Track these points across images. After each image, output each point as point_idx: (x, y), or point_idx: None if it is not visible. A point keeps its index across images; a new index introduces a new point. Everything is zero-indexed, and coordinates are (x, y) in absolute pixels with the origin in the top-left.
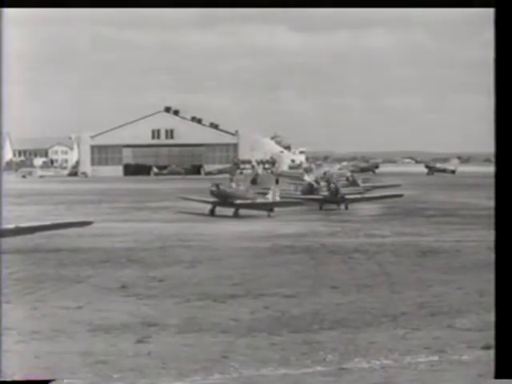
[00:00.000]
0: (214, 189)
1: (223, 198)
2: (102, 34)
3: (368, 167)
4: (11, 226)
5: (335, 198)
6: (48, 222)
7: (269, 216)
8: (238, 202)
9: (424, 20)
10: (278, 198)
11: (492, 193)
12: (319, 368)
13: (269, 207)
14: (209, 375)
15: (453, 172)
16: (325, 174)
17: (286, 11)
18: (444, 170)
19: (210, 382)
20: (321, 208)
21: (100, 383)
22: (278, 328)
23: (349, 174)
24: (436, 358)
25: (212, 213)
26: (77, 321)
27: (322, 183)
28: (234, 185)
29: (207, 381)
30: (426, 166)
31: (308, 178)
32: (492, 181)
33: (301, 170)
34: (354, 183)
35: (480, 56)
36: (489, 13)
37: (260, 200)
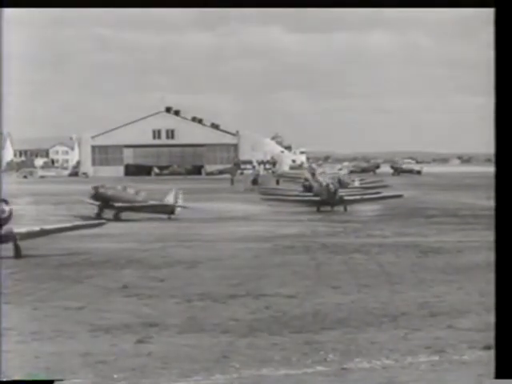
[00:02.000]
0: (92, 192)
1: (104, 201)
2: (102, 35)
3: (369, 167)
4: (37, 228)
5: (333, 200)
6: (69, 224)
7: (169, 218)
8: (118, 204)
9: (424, 20)
10: (180, 202)
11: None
12: (320, 368)
13: (157, 210)
14: (210, 375)
15: (418, 172)
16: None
17: (285, 11)
18: (410, 171)
19: (211, 382)
20: (318, 210)
21: (101, 383)
22: (278, 328)
23: (337, 174)
24: (437, 358)
25: (98, 216)
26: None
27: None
28: (119, 187)
29: (208, 381)
30: (392, 167)
31: (322, 179)
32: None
33: (302, 171)
34: (342, 184)
35: (479, 56)
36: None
37: (153, 202)
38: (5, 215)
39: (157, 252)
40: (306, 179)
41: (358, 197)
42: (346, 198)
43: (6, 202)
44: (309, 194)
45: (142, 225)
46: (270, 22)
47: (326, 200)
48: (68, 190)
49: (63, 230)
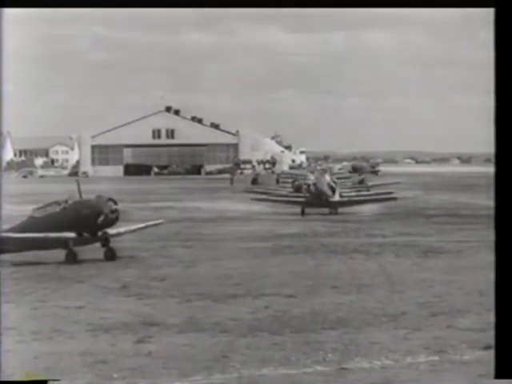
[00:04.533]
0: None
1: None
2: (101, 34)
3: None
4: (122, 229)
5: (320, 201)
6: (142, 224)
7: None
8: None
9: (424, 19)
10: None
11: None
12: (319, 368)
13: None
14: (209, 375)
15: (376, 173)
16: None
17: (285, 11)
18: (371, 172)
19: (211, 382)
20: (303, 213)
21: (100, 383)
22: (278, 328)
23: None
24: (437, 358)
25: None
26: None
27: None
28: None
29: (208, 381)
30: (353, 167)
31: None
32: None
33: (304, 171)
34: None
35: (479, 56)
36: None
37: None
38: (114, 216)
39: None
40: (295, 180)
41: (345, 199)
42: (331, 200)
43: (114, 201)
44: (298, 194)
45: None
46: (270, 22)
47: (310, 201)
48: (69, 189)
49: (138, 230)
